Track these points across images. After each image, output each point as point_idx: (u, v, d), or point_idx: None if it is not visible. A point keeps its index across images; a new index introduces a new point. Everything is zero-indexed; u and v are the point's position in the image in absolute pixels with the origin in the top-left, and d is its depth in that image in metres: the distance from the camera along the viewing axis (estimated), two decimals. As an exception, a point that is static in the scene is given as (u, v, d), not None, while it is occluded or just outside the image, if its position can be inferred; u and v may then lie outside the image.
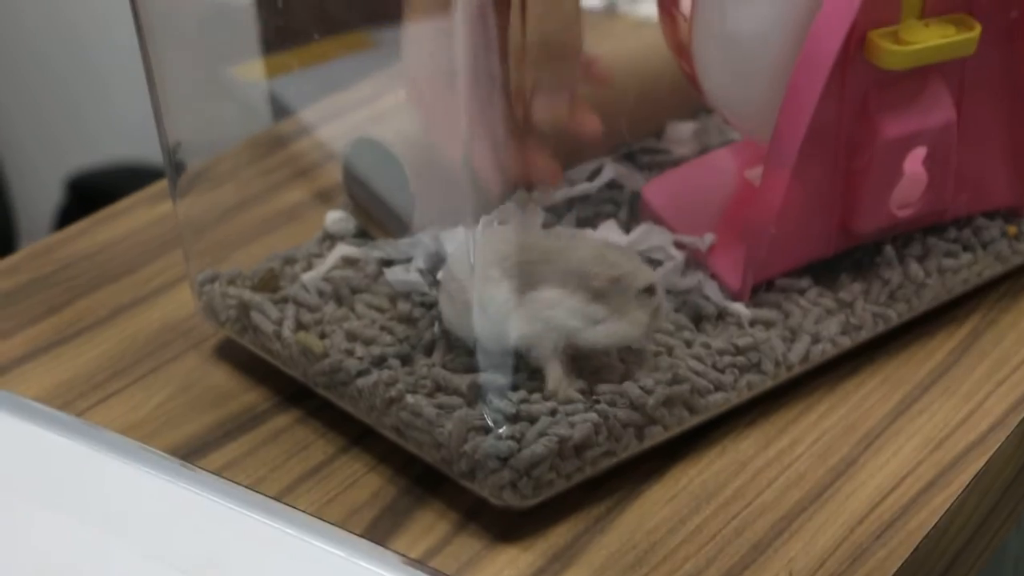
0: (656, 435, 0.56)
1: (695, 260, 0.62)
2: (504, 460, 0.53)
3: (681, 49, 0.64)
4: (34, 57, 1.68)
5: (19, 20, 1.67)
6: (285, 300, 0.62)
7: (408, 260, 0.63)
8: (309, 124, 0.76)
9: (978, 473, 0.56)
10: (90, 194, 1.56)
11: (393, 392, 0.56)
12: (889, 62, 0.59)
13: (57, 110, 1.69)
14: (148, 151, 1.47)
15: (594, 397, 0.56)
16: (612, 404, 0.55)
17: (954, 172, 0.63)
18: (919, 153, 0.62)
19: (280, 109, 0.77)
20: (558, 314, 0.55)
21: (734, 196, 0.65)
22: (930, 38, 0.59)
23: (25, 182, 1.72)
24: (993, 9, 0.61)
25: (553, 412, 0.55)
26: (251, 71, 0.75)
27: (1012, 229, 0.65)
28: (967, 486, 0.55)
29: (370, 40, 0.81)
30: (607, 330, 0.56)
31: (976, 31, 0.60)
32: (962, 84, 0.62)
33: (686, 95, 0.67)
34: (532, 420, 0.55)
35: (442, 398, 0.56)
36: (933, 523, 0.54)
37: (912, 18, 0.60)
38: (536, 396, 0.55)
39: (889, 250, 0.63)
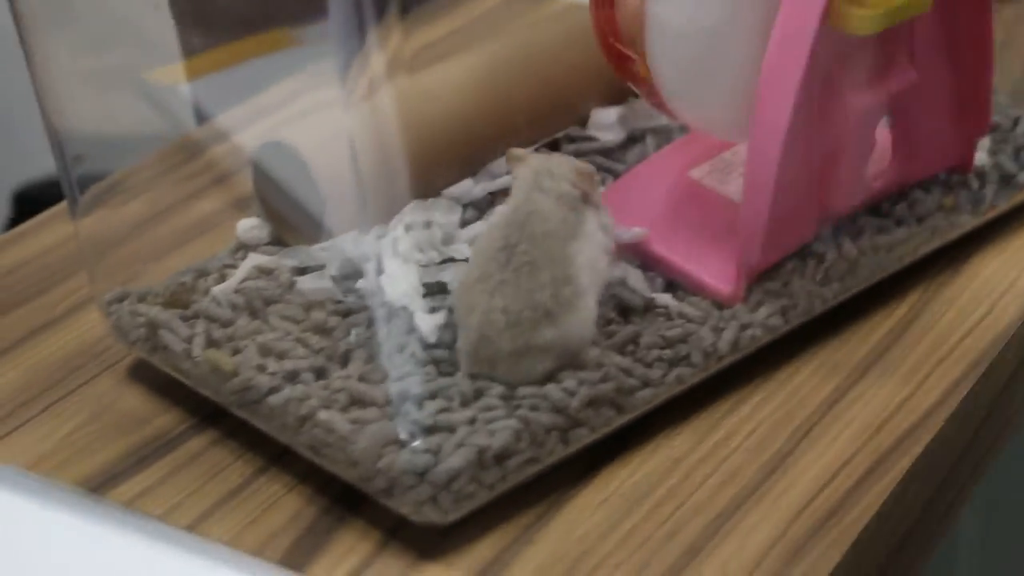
0: (582, 437, 0.54)
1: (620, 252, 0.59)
2: (421, 475, 0.51)
3: (616, 39, 0.61)
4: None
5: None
6: (196, 316, 0.60)
7: (321, 267, 0.60)
8: (225, 130, 0.74)
9: (918, 458, 0.54)
10: (37, 206, 1.53)
11: (305, 409, 0.54)
12: (860, 28, 0.56)
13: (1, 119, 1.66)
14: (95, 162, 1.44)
15: (514, 402, 0.53)
16: (534, 408, 0.53)
17: (919, 134, 0.62)
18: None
19: (198, 114, 0.74)
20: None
21: (689, 198, 0.63)
22: None
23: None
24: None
25: (472, 420, 0.53)
26: (166, 75, 0.72)
27: (949, 201, 0.63)
28: (906, 473, 0.53)
29: (293, 38, 0.78)
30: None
31: None
32: (912, 44, 0.60)
33: (612, 80, 0.65)
34: (450, 430, 0.52)
35: (356, 412, 0.54)
36: (872, 514, 0.52)
37: None
38: (455, 404, 0.53)
39: (824, 228, 0.61)
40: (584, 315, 0.54)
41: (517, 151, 0.57)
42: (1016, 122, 0.68)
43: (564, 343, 0.54)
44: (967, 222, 0.64)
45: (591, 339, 0.54)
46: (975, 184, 0.65)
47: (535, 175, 0.56)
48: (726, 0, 0.57)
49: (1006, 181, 0.65)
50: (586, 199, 0.55)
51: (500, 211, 0.57)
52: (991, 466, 0.61)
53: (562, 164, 0.56)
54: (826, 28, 0.56)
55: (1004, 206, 0.65)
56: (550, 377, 0.54)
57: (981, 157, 0.65)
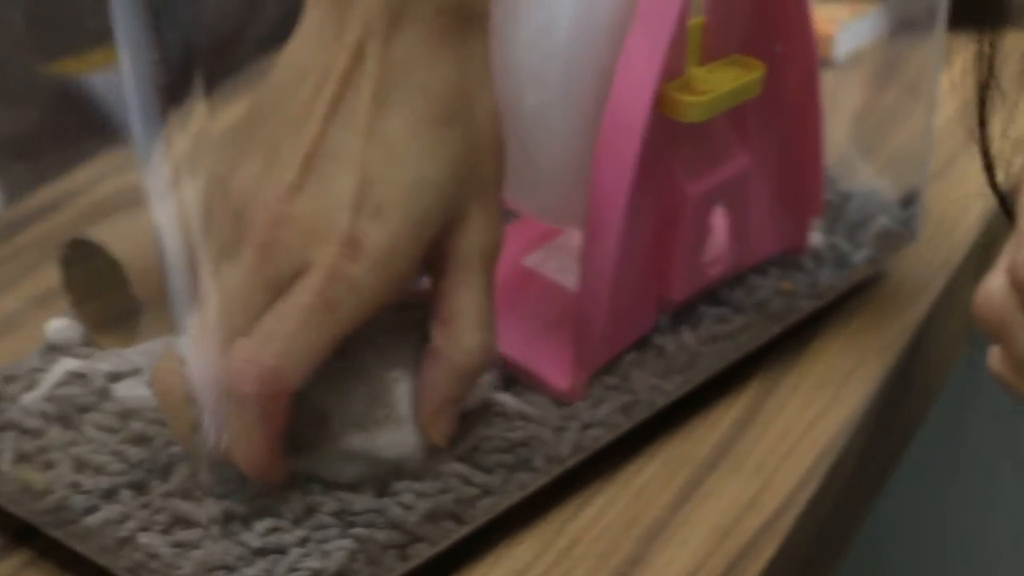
0: (422, 552, 0.51)
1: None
2: (251, 603, 0.48)
3: None
4: None
5: None
6: (3, 427, 0.55)
7: (138, 371, 0.57)
8: (29, 215, 0.70)
9: (771, 560, 0.52)
10: None
11: (124, 531, 0.50)
12: (691, 115, 0.55)
13: None
14: None
15: (349, 518, 0.50)
16: (370, 525, 0.50)
17: (754, 218, 0.61)
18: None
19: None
20: None
21: (524, 288, 0.60)
22: (722, 84, 0.56)
23: None
24: (759, 47, 0.58)
25: (304, 541, 0.49)
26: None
27: (786, 284, 0.62)
28: (759, 579, 0.52)
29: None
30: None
31: (760, 71, 0.57)
32: (744, 128, 0.59)
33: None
34: (281, 552, 0.49)
35: (180, 534, 0.50)
36: (725, 624, 0.50)
37: (694, 66, 0.56)
38: (285, 522, 0.50)
39: (663, 318, 0.59)
40: (399, 438, 0.51)
41: None
42: (848, 199, 0.67)
43: (376, 455, 0.51)
44: (805, 306, 0.63)
45: (413, 457, 0.52)
46: (811, 266, 0.64)
47: None
48: (556, 84, 0.55)
49: (842, 262, 0.64)
50: None
51: None
52: (839, 566, 0.60)
53: None
54: (657, 115, 0.55)
55: (841, 287, 0.64)
56: (384, 489, 0.51)
57: (816, 237, 0.65)
